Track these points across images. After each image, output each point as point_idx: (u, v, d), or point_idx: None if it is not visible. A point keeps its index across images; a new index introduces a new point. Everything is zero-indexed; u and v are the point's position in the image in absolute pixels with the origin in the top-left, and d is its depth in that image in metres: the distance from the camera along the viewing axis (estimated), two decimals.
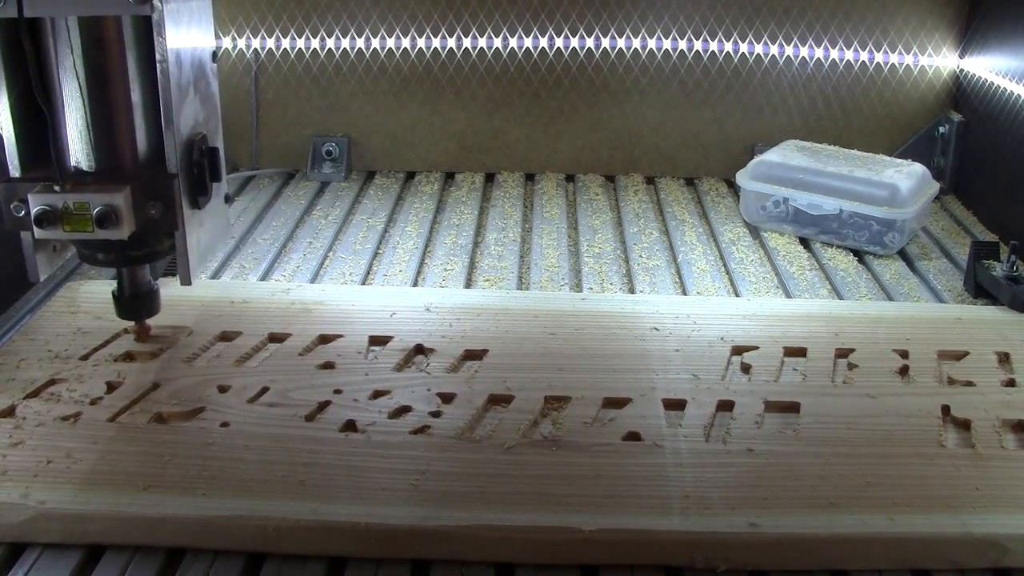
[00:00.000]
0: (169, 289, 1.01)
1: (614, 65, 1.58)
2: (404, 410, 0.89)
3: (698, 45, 1.57)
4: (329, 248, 1.31)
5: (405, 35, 1.57)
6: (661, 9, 1.55)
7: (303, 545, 0.74)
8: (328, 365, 0.96)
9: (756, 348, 1.00)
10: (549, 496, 0.78)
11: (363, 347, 0.99)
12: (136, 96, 0.85)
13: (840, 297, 1.18)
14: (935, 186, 1.37)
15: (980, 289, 1.16)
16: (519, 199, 1.51)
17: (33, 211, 0.82)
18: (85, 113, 0.83)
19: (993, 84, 1.43)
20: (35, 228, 0.82)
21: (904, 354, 1.00)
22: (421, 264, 1.27)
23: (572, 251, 1.33)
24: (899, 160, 1.40)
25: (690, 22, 1.56)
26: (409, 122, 1.61)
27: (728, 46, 1.56)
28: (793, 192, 1.35)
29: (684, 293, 1.20)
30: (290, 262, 1.26)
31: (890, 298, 1.18)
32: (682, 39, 1.56)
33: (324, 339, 1.01)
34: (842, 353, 1.00)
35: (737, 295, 1.19)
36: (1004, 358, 1.00)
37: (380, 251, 1.31)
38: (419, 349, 0.99)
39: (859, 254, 1.32)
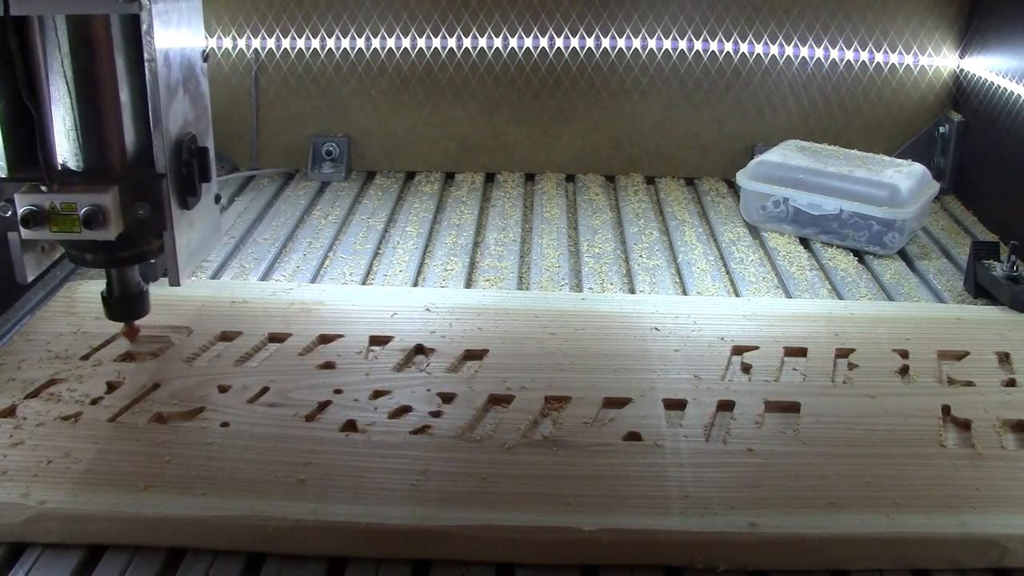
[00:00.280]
0: (169, 289, 1.00)
1: (614, 65, 1.58)
2: (404, 410, 0.89)
3: (698, 45, 1.57)
4: (329, 248, 1.31)
5: (405, 35, 1.57)
6: (661, 9, 1.55)
7: (303, 545, 0.74)
8: (328, 365, 0.96)
9: (756, 348, 1.00)
10: (549, 496, 0.78)
11: (363, 347, 0.99)
12: (124, 96, 0.84)
13: (840, 297, 1.18)
14: (935, 186, 1.37)
15: (980, 289, 1.16)
16: (519, 199, 1.51)
17: (19, 211, 0.81)
18: (73, 112, 0.82)
19: (993, 84, 1.43)
20: (21, 228, 0.82)
21: (904, 354, 1.00)
22: (421, 264, 1.27)
23: (572, 251, 1.33)
24: (899, 160, 1.40)
25: (690, 22, 1.56)
26: (409, 122, 1.61)
27: (728, 46, 1.56)
28: (793, 192, 1.35)
29: (684, 293, 1.20)
30: (290, 262, 1.26)
31: (890, 298, 1.18)
32: (682, 39, 1.56)
33: (324, 339, 1.01)
34: (842, 353, 1.00)
35: (737, 295, 1.19)
36: (1004, 358, 1.00)
37: (380, 251, 1.31)
38: (419, 349, 0.99)
39: (859, 254, 1.32)
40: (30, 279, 0.90)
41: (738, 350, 1.00)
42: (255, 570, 0.74)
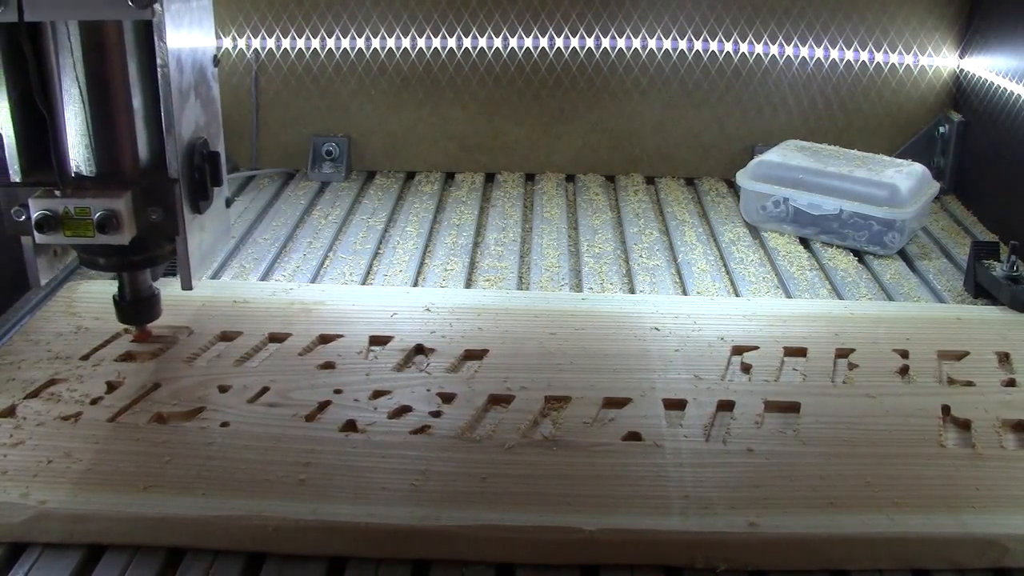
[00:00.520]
0: (169, 289, 1.01)
1: (614, 65, 1.58)
2: (404, 410, 0.89)
3: (698, 45, 1.57)
4: (329, 248, 1.31)
5: (405, 35, 1.57)
6: (661, 9, 1.55)
7: (303, 545, 0.74)
8: (328, 365, 0.96)
9: (756, 348, 1.00)
10: (549, 496, 0.78)
11: (363, 347, 0.99)
12: (137, 101, 0.84)
13: (840, 297, 1.18)
14: (935, 186, 1.37)
15: (980, 289, 1.16)
16: (519, 199, 1.51)
17: (34, 216, 0.81)
18: (86, 118, 0.83)
19: (993, 84, 1.43)
20: (35, 233, 0.82)
21: (904, 354, 1.00)
22: (421, 264, 1.27)
23: (572, 251, 1.33)
24: (899, 160, 1.40)
25: (690, 22, 1.56)
26: (409, 122, 1.61)
27: (728, 46, 1.56)
28: (793, 192, 1.35)
29: (684, 293, 1.20)
30: (290, 262, 1.26)
31: (890, 298, 1.18)
32: (682, 39, 1.56)
33: (324, 339, 1.01)
34: (842, 353, 1.00)
35: (737, 295, 1.19)
36: (1004, 358, 1.00)
37: (380, 251, 1.31)
38: (419, 349, 0.99)
39: (859, 254, 1.32)
40: (43, 283, 0.90)
41: (738, 350, 1.00)
42: (255, 570, 0.74)
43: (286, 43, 1.57)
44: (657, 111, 1.60)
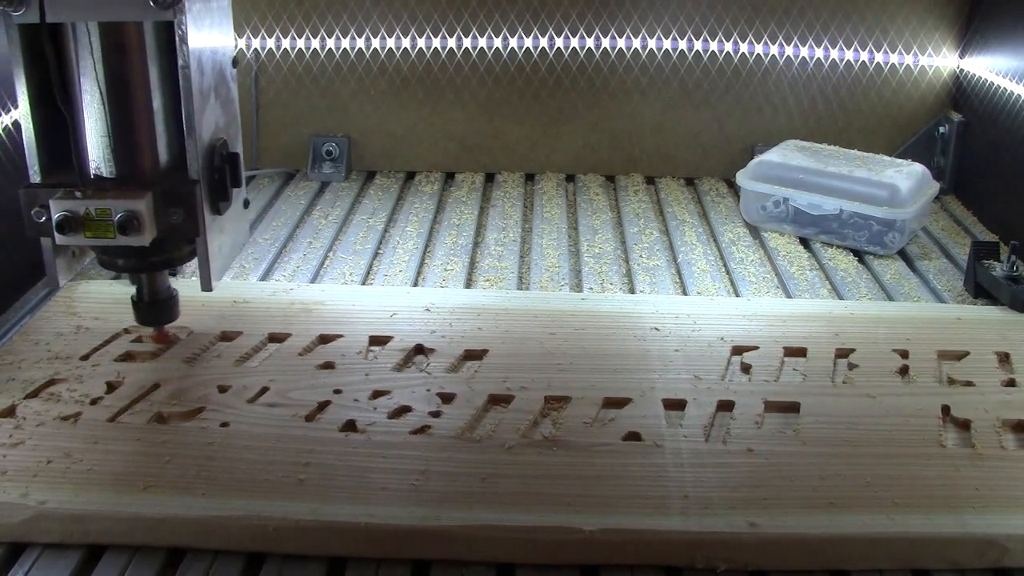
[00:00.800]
0: None
1: (614, 65, 1.58)
2: (404, 410, 0.89)
3: (698, 45, 1.57)
4: (329, 248, 1.31)
5: (405, 35, 1.57)
6: (661, 9, 1.55)
7: (303, 545, 0.74)
8: (328, 365, 0.96)
9: (756, 348, 1.00)
10: (549, 496, 0.78)
11: (363, 347, 0.99)
12: (157, 102, 0.84)
13: (840, 297, 1.18)
14: (935, 186, 1.37)
15: (980, 289, 1.16)
16: (519, 199, 1.51)
17: (54, 217, 0.81)
18: (106, 119, 0.83)
19: (993, 84, 1.43)
20: (56, 234, 0.82)
21: (904, 354, 1.00)
22: (421, 264, 1.27)
23: (572, 251, 1.33)
24: (899, 160, 1.40)
25: (690, 22, 1.56)
26: (409, 122, 1.61)
27: (728, 46, 1.56)
28: (793, 192, 1.35)
29: (684, 293, 1.20)
30: (290, 262, 1.26)
31: (890, 298, 1.18)
32: (682, 39, 1.56)
33: (324, 339, 1.01)
34: (842, 353, 1.00)
35: (737, 295, 1.19)
36: (1004, 358, 1.00)
37: (380, 251, 1.31)
38: (419, 349, 0.99)
39: (859, 254, 1.32)
40: (62, 284, 0.90)
41: (738, 350, 1.00)
42: (255, 570, 0.74)
43: (286, 43, 1.57)
44: (657, 111, 1.60)
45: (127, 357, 0.97)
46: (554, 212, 1.45)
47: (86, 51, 0.81)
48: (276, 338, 1.01)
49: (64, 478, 0.78)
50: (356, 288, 1.17)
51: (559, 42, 1.57)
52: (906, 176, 1.32)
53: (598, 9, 1.55)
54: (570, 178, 1.62)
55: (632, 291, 1.20)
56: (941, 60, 1.56)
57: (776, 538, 0.74)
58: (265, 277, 1.22)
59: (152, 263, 0.89)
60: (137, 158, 0.85)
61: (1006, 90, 1.39)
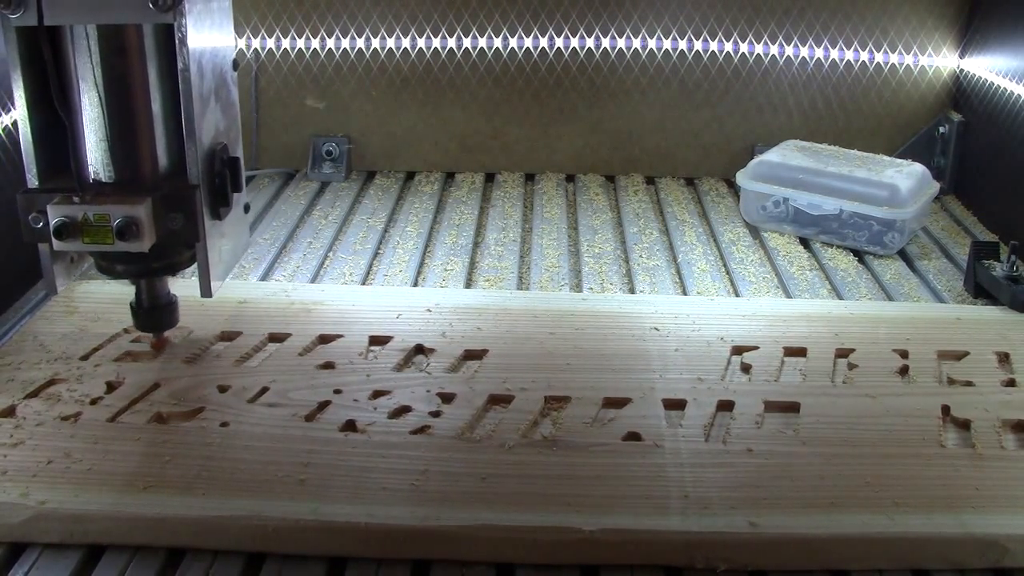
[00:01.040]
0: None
1: (614, 65, 1.58)
2: (404, 410, 0.89)
3: (698, 45, 1.57)
4: (329, 248, 1.31)
5: (405, 35, 1.57)
6: (661, 9, 1.55)
7: (303, 545, 0.74)
8: (328, 365, 0.96)
9: (756, 348, 1.00)
10: (549, 496, 0.78)
11: (363, 347, 0.99)
12: (156, 105, 0.83)
13: (840, 297, 1.18)
14: (935, 186, 1.37)
15: (980, 289, 1.16)
16: (519, 199, 1.51)
17: (52, 223, 0.80)
18: (105, 123, 0.82)
19: (993, 84, 1.43)
20: (54, 240, 0.81)
21: (904, 354, 1.00)
22: (421, 264, 1.27)
23: (572, 251, 1.33)
24: (899, 160, 1.40)
25: (690, 22, 1.56)
26: (409, 122, 1.61)
27: (728, 46, 1.56)
28: (793, 192, 1.35)
29: (684, 293, 1.20)
30: (290, 262, 1.26)
31: (890, 298, 1.18)
32: (682, 39, 1.56)
33: (324, 339, 1.01)
34: (842, 353, 1.00)
35: (737, 295, 1.19)
36: (1004, 358, 1.00)
37: (380, 251, 1.31)
38: (419, 349, 0.99)
39: (859, 254, 1.32)
40: (60, 289, 0.89)
41: (738, 350, 1.00)
42: (255, 570, 0.74)
43: (286, 43, 1.57)
44: (657, 111, 1.60)
45: (127, 357, 0.97)
46: (554, 212, 1.45)
47: (85, 54, 0.80)
48: (276, 338, 1.01)
49: (64, 478, 0.78)
50: (356, 288, 1.17)
51: (559, 42, 1.57)
52: (906, 176, 1.32)
53: (598, 9, 1.55)
54: (570, 178, 1.62)
55: (632, 291, 1.20)
56: (941, 60, 1.56)
57: (776, 538, 0.74)
58: (265, 277, 1.22)
59: (151, 269, 0.89)
60: (136, 163, 0.84)
61: (1006, 90, 1.39)
